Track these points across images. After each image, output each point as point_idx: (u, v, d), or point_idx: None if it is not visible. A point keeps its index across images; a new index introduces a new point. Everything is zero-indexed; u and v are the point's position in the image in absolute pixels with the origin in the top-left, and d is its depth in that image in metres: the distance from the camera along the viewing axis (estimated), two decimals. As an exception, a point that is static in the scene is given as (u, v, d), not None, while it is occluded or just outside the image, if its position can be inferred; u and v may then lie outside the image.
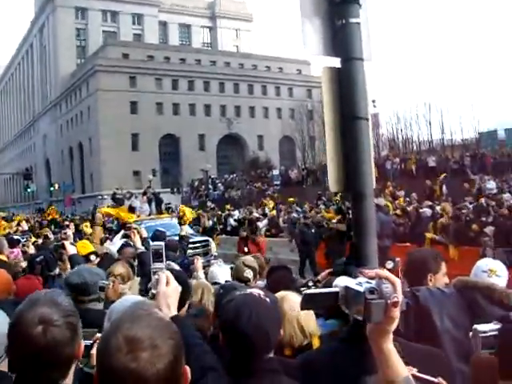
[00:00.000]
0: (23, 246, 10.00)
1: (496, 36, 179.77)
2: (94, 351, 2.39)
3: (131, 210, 20.02)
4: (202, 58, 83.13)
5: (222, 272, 5.51)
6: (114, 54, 75.77)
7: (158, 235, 9.63)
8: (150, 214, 20.59)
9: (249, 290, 2.53)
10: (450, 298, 3.15)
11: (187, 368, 1.63)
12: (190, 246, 17.13)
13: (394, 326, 1.74)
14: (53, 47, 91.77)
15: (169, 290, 2.40)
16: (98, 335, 2.49)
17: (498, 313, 2.83)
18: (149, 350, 1.49)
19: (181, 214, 12.68)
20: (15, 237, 12.04)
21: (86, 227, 13.44)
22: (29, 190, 53.82)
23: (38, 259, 5.95)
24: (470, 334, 2.16)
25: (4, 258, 7.94)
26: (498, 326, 2.05)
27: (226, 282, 5.15)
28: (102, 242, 10.95)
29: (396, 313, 1.70)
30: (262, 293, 2.46)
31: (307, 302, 1.86)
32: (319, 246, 20.02)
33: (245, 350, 2.37)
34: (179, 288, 2.47)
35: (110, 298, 4.02)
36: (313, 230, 17.63)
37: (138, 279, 5.62)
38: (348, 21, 3.48)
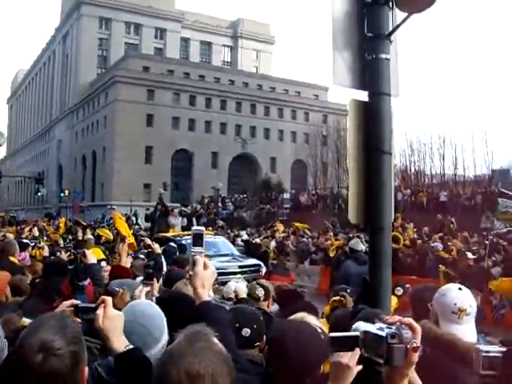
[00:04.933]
0: (38, 248, 10.10)
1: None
2: (98, 312, 2.40)
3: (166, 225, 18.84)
4: (221, 77, 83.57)
5: (239, 288, 5.47)
6: (135, 66, 76.22)
7: (167, 250, 9.49)
8: (183, 229, 19.12)
9: (310, 321, 2.68)
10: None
11: None
12: (238, 270, 14.82)
13: (411, 370, 1.84)
14: (75, 55, 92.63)
15: (206, 273, 2.42)
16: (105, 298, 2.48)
17: (462, 373, 2.69)
18: None
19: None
20: (24, 240, 12.05)
21: (103, 233, 13.25)
22: (39, 194, 54.00)
23: (69, 267, 5.94)
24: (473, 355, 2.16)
25: (15, 260, 8.00)
26: (502, 349, 2.08)
27: (240, 299, 5.11)
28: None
29: (415, 357, 1.78)
30: (319, 329, 2.61)
31: (332, 344, 1.97)
32: (325, 273, 20.02)
33: (283, 368, 2.45)
34: (215, 274, 2.50)
35: (116, 306, 3.98)
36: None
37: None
38: (378, 56, 3.54)
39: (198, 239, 2.54)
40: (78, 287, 5.14)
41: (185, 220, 21.92)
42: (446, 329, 2.88)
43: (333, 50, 3.66)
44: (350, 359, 2.15)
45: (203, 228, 2.66)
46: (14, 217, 39.43)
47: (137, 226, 31.46)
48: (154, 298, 3.65)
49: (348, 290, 5.54)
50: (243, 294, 5.21)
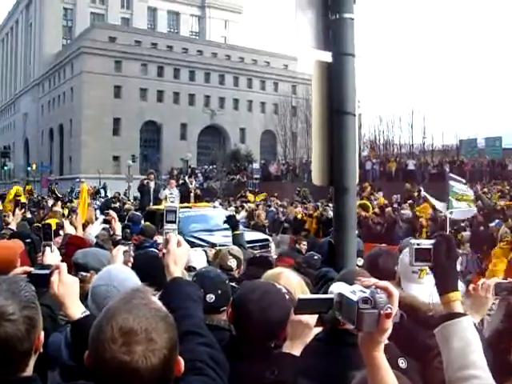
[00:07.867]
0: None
1: (483, 46, 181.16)
2: (53, 278, 2.36)
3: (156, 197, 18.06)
4: (189, 47, 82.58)
5: (198, 257, 5.43)
6: (101, 36, 74.93)
7: (132, 218, 9.34)
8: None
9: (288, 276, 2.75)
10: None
11: (181, 360, 1.62)
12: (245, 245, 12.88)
13: (385, 337, 1.72)
14: (38, 25, 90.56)
15: (179, 250, 2.37)
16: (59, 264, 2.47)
17: (423, 336, 2.63)
18: (144, 344, 1.48)
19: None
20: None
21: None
22: (6, 168, 53.43)
23: (26, 240, 5.74)
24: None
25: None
26: (432, 241, 2.03)
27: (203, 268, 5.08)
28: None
29: (388, 324, 1.68)
30: (285, 290, 2.57)
31: (301, 307, 1.85)
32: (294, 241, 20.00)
33: (246, 330, 2.43)
34: (188, 252, 2.49)
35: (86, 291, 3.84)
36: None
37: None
38: (342, 16, 3.50)
39: (170, 216, 2.50)
40: (36, 259, 4.99)
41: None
42: (407, 289, 2.84)
43: (296, 9, 3.60)
44: (310, 318, 2.11)
45: (176, 205, 2.63)
46: None
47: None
48: (131, 258, 3.64)
49: (315, 257, 5.54)
50: (201, 264, 5.19)
